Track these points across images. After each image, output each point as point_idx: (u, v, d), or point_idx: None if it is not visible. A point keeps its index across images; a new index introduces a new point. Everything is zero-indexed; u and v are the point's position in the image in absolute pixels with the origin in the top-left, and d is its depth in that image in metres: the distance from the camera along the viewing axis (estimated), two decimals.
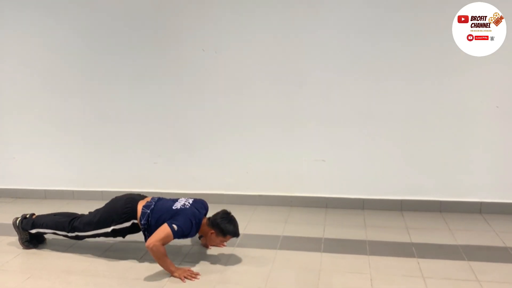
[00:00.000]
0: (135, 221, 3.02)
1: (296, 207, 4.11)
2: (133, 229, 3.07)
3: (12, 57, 4.43)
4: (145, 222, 2.97)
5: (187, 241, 3.36)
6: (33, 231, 3.26)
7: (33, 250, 3.31)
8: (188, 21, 4.01)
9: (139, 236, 3.51)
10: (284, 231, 3.57)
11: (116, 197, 3.18)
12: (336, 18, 3.77)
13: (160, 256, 2.81)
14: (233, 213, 3.95)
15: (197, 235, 3.28)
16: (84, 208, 3.43)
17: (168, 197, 3.20)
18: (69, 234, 3.16)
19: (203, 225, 2.98)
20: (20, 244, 3.33)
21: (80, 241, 3.27)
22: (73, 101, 4.38)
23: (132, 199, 3.10)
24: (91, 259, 3.14)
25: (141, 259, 3.12)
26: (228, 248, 3.26)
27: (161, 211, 2.97)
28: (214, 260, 3.09)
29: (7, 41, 4.40)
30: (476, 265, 2.89)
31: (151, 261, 3.07)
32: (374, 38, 3.74)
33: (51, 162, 4.55)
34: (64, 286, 2.78)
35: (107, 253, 3.24)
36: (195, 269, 2.92)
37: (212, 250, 3.24)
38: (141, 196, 3.15)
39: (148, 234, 2.98)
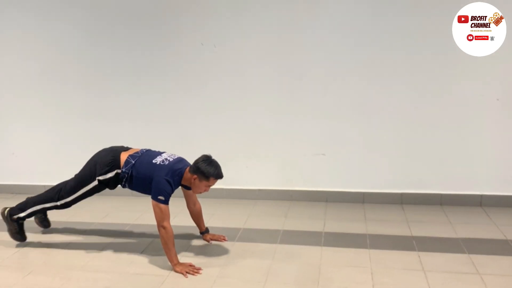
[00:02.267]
0: (119, 170, 3.01)
1: (296, 201, 4.10)
2: (117, 179, 3.05)
3: (11, 53, 4.41)
4: (126, 170, 2.97)
5: (187, 236, 3.36)
6: (23, 214, 3.24)
7: (33, 246, 3.31)
8: (187, 15, 3.99)
9: (139, 232, 3.51)
10: (284, 225, 3.57)
11: (96, 153, 3.17)
12: (336, 12, 3.76)
13: (167, 240, 2.82)
14: (233, 208, 3.99)
15: (199, 232, 3.33)
16: (83, 204, 3.42)
17: (153, 149, 3.17)
18: (58, 204, 3.17)
19: (186, 174, 2.93)
20: (10, 236, 3.30)
21: (68, 208, 3.22)
22: (72, 97, 4.37)
23: (114, 149, 3.11)
24: (91, 255, 3.14)
25: (141, 254, 3.12)
26: (229, 242, 3.26)
27: (142, 163, 2.97)
28: (215, 254, 3.09)
29: (6, 37, 4.38)
30: (477, 258, 2.89)
31: (151, 256, 3.08)
32: (375, 34, 3.73)
33: (51, 157, 4.54)
34: (64, 281, 2.78)
35: (107, 248, 3.24)
36: (195, 263, 2.91)
37: (212, 245, 3.24)
38: (124, 148, 3.14)
39: (126, 183, 3.00)
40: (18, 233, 3.30)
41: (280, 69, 3.93)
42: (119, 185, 3.11)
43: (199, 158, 2.93)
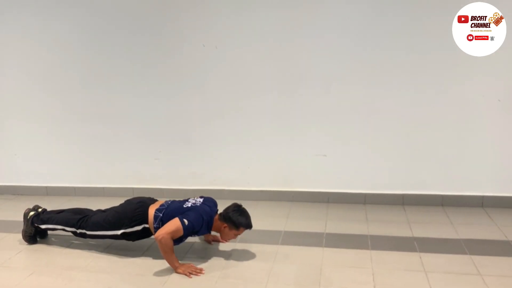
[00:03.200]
0: (146, 225, 3.01)
1: (297, 202, 4.10)
2: (144, 233, 3.06)
3: (12, 56, 4.41)
4: (157, 226, 2.96)
5: (189, 237, 3.35)
6: (43, 226, 3.29)
7: (36, 247, 3.32)
8: (188, 17, 3.99)
9: None
10: (286, 226, 3.57)
11: (128, 200, 3.18)
12: (337, 14, 3.75)
13: (167, 249, 2.81)
14: None
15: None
16: (85, 205, 3.44)
17: (178, 199, 3.19)
18: (78, 231, 3.17)
19: (215, 221, 2.99)
20: (22, 236, 3.35)
21: (84, 238, 3.27)
22: (74, 98, 4.37)
23: (143, 203, 3.09)
24: (93, 255, 3.15)
25: (143, 255, 3.13)
26: (230, 243, 3.26)
27: (172, 212, 2.96)
28: (216, 255, 3.10)
29: (8, 40, 4.38)
30: (478, 259, 2.89)
31: (153, 257, 3.08)
32: (375, 35, 3.73)
33: (53, 159, 4.55)
34: (67, 282, 2.79)
35: (109, 249, 3.25)
36: (197, 264, 2.92)
37: (214, 246, 3.25)
38: (152, 200, 3.15)
39: None
40: (31, 237, 3.35)
41: (281, 70, 3.93)
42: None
43: (230, 207, 2.99)
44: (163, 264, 2.94)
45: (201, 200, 3.07)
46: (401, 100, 3.80)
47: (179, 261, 2.90)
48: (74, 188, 4.55)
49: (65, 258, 3.14)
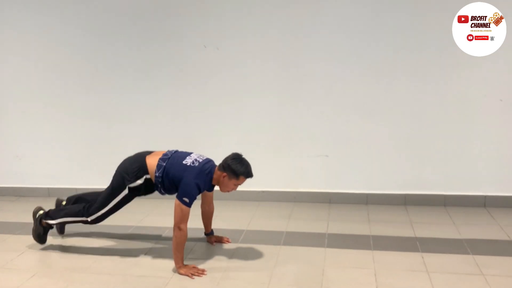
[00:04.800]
0: (148, 176, 2.95)
1: (299, 203, 4.10)
2: (148, 186, 2.99)
3: (14, 56, 4.43)
4: (159, 174, 2.91)
5: (191, 238, 3.35)
6: (52, 222, 3.22)
7: (36, 248, 3.32)
8: (189, 17, 4.00)
9: (143, 234, 3.52)
10: (288, 227, 3.57)
11: (120, 163, 3.10)
12: (338, 14, 3.76)
13: (179, 242, 2.80)
14: (237, 209, 3.99)
15: (204, 233, 3.34)
16: None
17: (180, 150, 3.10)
18: (89, 219, 3.08)
19: (215, 173, 2.90)
20: (32, 235, 3.31)
21: (99, 223, 3.13)
22: (76, 98, 4.38)
23: (138, 156, 3.05)
24: (95, 257, 3.14)
25: (145, 256, 3.12)
26: (232, 244, 3.27)
27: (173, 165, 2.92)
28: (218, 256, 3.09)
29: (9, 39, 4.40)
30: (481, 259, 2.88)
31: (155, 258, 3.08)
32: (376, 35, 3.73)
33: (54, 160, 4.55)
34: (68, 284, 2.79)
35: (111, 250, 3.25)
36: (199, 265, 2.91)
37: (216, 246, 3.25)
38: (147, 152, 3.07)
39: (161, 187, 2.94)
40: (41, 236, 3.30)
41: (283, 70, 3.94)
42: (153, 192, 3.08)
43: (229, 156, 2.90)
44: (165, 265, 2.95)
45: (201, 160, 2.94)
46: (402, 100, 3.80)
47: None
48: (76, 190, 4.52)
49: (67, 259, 3.14)
